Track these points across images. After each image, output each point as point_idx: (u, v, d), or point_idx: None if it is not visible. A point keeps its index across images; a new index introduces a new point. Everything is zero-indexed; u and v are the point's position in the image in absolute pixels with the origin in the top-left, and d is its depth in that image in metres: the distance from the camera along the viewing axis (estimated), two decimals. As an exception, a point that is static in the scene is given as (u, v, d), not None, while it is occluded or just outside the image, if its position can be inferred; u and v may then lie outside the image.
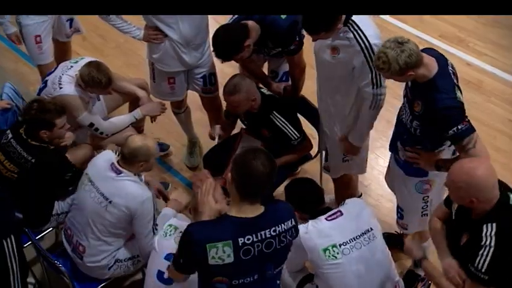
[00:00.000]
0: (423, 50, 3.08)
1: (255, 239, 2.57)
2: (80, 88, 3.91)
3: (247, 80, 3.78)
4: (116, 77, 4.10)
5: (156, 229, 3.46)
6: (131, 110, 4.29)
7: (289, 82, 4.05)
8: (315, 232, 3.13)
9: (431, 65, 3.01)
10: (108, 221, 3.43)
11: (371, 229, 3.19)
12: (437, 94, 2.96)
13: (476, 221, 2.70)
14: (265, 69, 4.19)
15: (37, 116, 3.65)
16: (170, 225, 3.22)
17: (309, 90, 3.98)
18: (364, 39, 3.26)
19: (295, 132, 3.80)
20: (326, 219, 3.17)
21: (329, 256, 3.09)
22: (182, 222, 3.23)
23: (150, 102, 4.22)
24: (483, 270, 2.62)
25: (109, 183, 3.42)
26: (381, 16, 5.64)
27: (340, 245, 3.11)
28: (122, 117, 4.23)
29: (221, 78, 4.16)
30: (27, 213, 3.76)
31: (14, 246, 3.42)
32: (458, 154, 3.04)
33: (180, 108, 4.52)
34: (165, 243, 3.17)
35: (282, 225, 2.61)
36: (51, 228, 3.89)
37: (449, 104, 2.96)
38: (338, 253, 3.10)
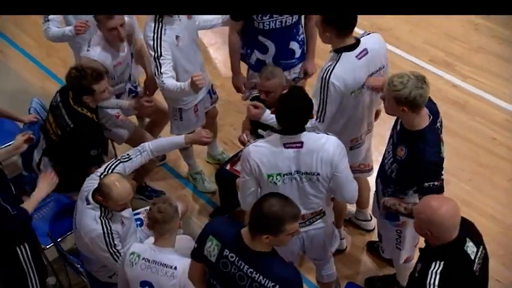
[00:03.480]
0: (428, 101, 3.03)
1: (235, 261, 2.57)
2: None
3: (279, 68, 3.78)
4: None
5: (118, 253, 3.32)
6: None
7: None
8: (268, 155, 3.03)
9: (424, 118, 2.97)
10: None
11: (317, 173, 3.03)
12: (426, 146, 2.92)
13: (429, 255, 2.65)
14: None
15: (75, 82, 3.55)
16: (133, 253, 3.09)
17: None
18: (329, 72, 3.21)
19: None
20: (284, 145, 3.00)
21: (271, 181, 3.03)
22: (144, 246, 3.12)
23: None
24: None
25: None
26: None
27: (283, 174, 3.03)
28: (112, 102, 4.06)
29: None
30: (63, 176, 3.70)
31: (29, 252, 3.41)
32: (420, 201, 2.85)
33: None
34: (134, 272, 3.07)
35: (262, 277, 2.53)
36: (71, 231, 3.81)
37: (434, 160, 2.95)
38: (279, 180, 3.03)
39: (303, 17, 3.93)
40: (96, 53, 3.78)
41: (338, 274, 3.78)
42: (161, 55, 3.67)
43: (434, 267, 2.55)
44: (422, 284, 2.56)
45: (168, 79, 3.66)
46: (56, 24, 4.13)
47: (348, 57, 3.22)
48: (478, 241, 2.68)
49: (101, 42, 3.80)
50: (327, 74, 3.20)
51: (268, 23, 3.78)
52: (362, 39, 3.30)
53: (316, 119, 3.26)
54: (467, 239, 2.61)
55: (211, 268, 2.68)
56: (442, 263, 2.55)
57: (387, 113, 3.06)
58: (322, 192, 3.09)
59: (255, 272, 2.53)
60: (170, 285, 2.97)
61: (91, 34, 3.96)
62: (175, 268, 2.95)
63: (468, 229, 2.68)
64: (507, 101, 5.08)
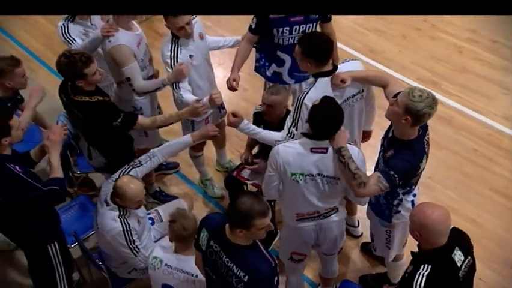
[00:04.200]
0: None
1: (218, 251, 2.61)
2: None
3: (287, 89, 3.78)
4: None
5: (137, 248, 3.31)
6: None
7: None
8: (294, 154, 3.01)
9: (415, 131, 2.96)
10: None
11: (337, 178, 3.03)
12: (411, 151, 2.93)
13: (419, 258, 2.65)
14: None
15: (67, 69, 3.34)
16: (155, 258, 3.11)
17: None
18: (304, 94, 3.22)
19: None
20: (311, 150, 2.99)
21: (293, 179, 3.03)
22: (167, 253, 3.11)
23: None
24: None
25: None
26: (367, 60, 5.68)
27: (306, 175, 3.03)
28: (155, 82, 3.87)
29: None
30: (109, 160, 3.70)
31: (58, 250, 3.42)
32: (416, 205, 2.86)
33: (200, 151, 4.36)
34: (157, 275, 3.10)
35: (235, 267, 2.55)
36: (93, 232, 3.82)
37: (413, 163, 2.93)
38: (301, 179, 3.03)
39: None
40: (119, 39, 3.64)
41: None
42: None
43: (422, 270, 2.56)
44: (410, 284, 2.57)
45: (185, 93, 3.66)
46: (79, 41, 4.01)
47: (323, 82, 3.22)
48: (468, 251, 2.68)
49: (120, 33, 3.66)
50: (302, 95, 3.22)
51: (288, 38, 3.76)
52: (339, 66, 3.29)
53: (287, 134, 3.25)
54: (456, 247, 2.62)
55: (203, 256, 2.73)
56: (430, 266, 2.56)
57: (387, 117, 3.01)
58: (339, 194, 3.12)
59: (230, 262, 2.56)
60: None
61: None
62: (196, 276, 2.96)
63: (459, 239, 2.69)
64: (488, 116, 5.10)
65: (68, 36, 3.97)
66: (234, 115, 3.46)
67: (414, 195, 3.24)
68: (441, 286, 2.56)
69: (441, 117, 5.04)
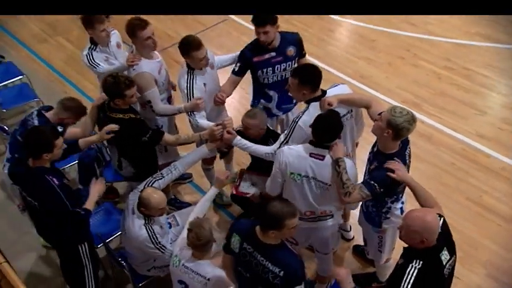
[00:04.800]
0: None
1: (252, 252, 2.60)
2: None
3: (264, 114, 3.69)
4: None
5: (164, 247, 3.33)
6: None
7: None
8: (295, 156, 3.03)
9: (396, 145, 2.97)
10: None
11: (329, 184, 3.04)
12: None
13: (412, 254, 2.63)
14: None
15: (111, 88, 3.40)
16: (176, 256, 3.09)
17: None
18: (299, 117, 3.25)
19: None
20: (310, 154, 3.02)
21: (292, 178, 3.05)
22: (186, 254, 3.07)
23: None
24: None
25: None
26: (358, 84, 5.68)
27: (302, 176, 3.04)
28: (173, 108, 3.90)
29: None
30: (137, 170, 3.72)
31: (87, 249, 3.44)
32: (409, 215, 2.71)
33: (211, 165, 4.29)
34: (175, 272, 3.09)
35: (270, 264, 2.56)
36: (119, 233, 3.84)
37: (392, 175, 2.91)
38: (298, 179, 3.05)
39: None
40: (142, 67, 3.69)
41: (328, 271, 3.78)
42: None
43: (415, 264, 2.58)
44: (402, 274, 2.58)
45: (201, 118, 3.70)
46: (104, 65, 4.05)
47: (314, 105, 3.24)
48: (453, 251, 2.70)
49: (143, 61, 3.73)
50: (297, 117, 3.26)
51: (272, 77, 3.80)
52: (328, 91, 3.31)
53: (278, 148, 3.25)
54: (445, 247, 2.63)
55: (236, 258, 2.73)
56: (421, 262, 2.57)
57: (373, 132, 3.04)
58: (333, 199, 3.10)
59: (265, 260, 2.57)
60: None
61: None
62: (208, 279, 2.96)
63: (448, 239, 2.70)
64: (463, 134, 5.10)
65: (93, 62, 4.05)
66: (229, 132, 3.48)
67: (403, 203, 3.25)
68: (429, 280, 2.58)
69: (422, 135, 5.06)
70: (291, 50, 3.78)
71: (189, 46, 3.61)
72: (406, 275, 2.56)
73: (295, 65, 3.83)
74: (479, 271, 3.99)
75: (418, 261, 2.57)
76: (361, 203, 3.43)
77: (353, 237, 4.21)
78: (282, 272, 2.54)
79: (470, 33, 6.40)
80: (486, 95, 5.57)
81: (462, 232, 4.18)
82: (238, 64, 3.82)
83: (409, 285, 2.54)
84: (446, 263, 2.62)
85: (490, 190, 4.57)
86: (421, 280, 2.54)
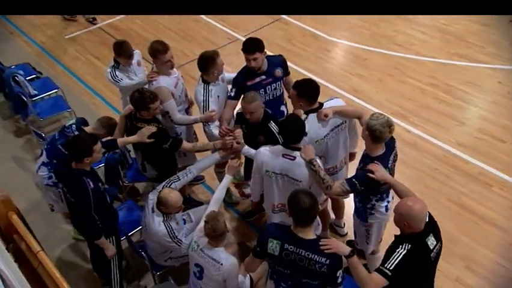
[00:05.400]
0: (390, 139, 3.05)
1: (295, 250, 2.57)
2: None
3: (258, 94, 3.55)
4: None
5: (181, 240, 3.34)
6: None
7: None
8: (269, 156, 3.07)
9: (379, 149, 3.00)
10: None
11: (300, 181, 3.06)
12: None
13: (402, 239, 2.66)
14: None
15: (138, 101, 3.45)
16: (195, 242, 3.11)
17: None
18: None
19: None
20: (282, 155, 3.04)
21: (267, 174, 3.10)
22: (204, 240, 3.06)
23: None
24: (390, 268, 2.58)
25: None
26: (352, 97, 5.68)
27: (276, 173, 3.08)
28: (189, 118, 3.93)
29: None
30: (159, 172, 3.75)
31: (114, 242, 3.47)
32: (400, 201, 2.77)
33: (222, 168, 4.18)
34: (193, 255, 3.11)
35: (316, 256, 2.53)
36: (140, 227, 3.84)
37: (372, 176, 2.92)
38: (273, 176, 3.09)
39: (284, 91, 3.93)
40: (160, 82, 3.75)
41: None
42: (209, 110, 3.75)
43: (404, 245, 2.60)
44: (392, 252, 2.61)
45: (215, 129, 3.74)
46: (125, 79, 4.15)
47: (312, 116, 3.26)
48: (439, 237, 2.72)
49: (161, 77, 3.78)
50: None
51: (264, 97, 3.75)
52: (324, 103, 3.32)
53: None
54: (431, 234, 2.65)
55: (275, 260, 2.66)
56: (410, 245, 2.59)
57: (362, 137, 3.07)
58: None
59: (311, 254, 2.54)
60: (215, 275, 3.00)
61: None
62: (222, 264, 2.98)
63: (433, 227, 2.72)
64: (445, 142, 5.10)
65: (116, 77, 4.16)
66: (238, 142, 3.53)
67: (388, 202, 3.26)
68: (416, 261, 2.60)
69: (408, 143, 5.07)
70: (278, 71, 3.80)
71: (209, 59, 3.67)
72: (396, 253, 2.59)
73: (283, 84, 3.85)
74: (458, 264, 4.00)
75: (407, 244, 2.60)
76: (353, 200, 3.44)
77: (346, 233, 4.21)
78: (328, 261, 2.54)
79: (450, 53, 6.41)
80: (465, 108, 5.57)
81: (443, 229, 3.98)
82: (233, 90, 3.77)
83: (396, 261, 2.57)
84: (434, 248, 2.64)
85: (468, 192, 4.57)
86: (408, 259, 2.57)
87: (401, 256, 2.58)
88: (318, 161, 3.04)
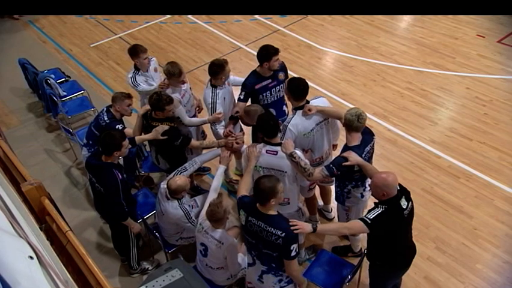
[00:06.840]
0: (365, 129, 3.04)
1: (256, 222, 2.60)
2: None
3: (260, 107, 3.56)
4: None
5: (195, 221, 3.29)
6: None
7: None
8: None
9: (355, 140, 2.99)
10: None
11: (285, 171, 3.05)
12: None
13: (377, 203, 2.72)
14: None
15: (156, 102, 3.46)
16: (200, 224, 3.11)
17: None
18: (288, 121, 3.27)
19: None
20: (266, 151, 3.03)
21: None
22: (207, 224, 3.06)
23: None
24: (370, 218, 2.64)
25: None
26: (339, 99, 5.66)
27: (263, 167, 3.07)
28: (198, 120, 3.93)
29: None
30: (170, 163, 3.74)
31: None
32: (375, 176, 2.78)
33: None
34: (199, 235, 3.09)
35: (273, 229, 2.54)
36: (154, 211, 3.84)
37: (345, 160, 2.93)
38: (260, 170, 3.06)
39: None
40: (169, 91, 3.77)
41: (312, 244, 3.80)
42: (216, 112, 3.75)
43: (381, 206, 2.67)
44: (371, 210, 2.68)
45: (220, 128, 3.74)
46: (143, 85, 4.14)
47: (299, 113, 3.26)
48: (409, 198, 2.77)
49: (170, 88, 3.83)
50: (287, 122, 3.28)
51: (269, 98, 3.77)
52: (310, 101, 3.33)
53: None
54: (403, 196, 2.71)
55: (243, 228, 2.73)
56: (385, 206, 2.66)
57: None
58: (286, 187, 3.08)
59: (269, 227, 2.56)
60: (217, 252, 3.02)
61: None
62: (223, 243, 3.02)
63: (404, 191, 2.76)
64: (420, 140, 5.10)
65: (135, 82, 4.16)
66: (237, 143, 3.56)
67: (364, 190, 3.25)
68: (392, 217, 2.66)
69: (389, 140, 5.08)
70: (281, 75, 3.81)
71: (220, 67, 3.67)
72: (374, 210, 2.66)
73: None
74: (430, 245, 4.02)
75: (383, 206, 2.67)
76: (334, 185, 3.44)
77: (334, 217, 4.22)
78: (283, 234, 2.55)
79: (426, 62, 6.41)
80: (437, 110, 5.56)
81: (417, 215, 4.03)
82: (243, 92, 3.74)
83: (375, 215, 2.63)
84: (406, 207, 2.70)
85: (439, 183, 4.58)
86: (385, 216, 2.63)
87: (379, 212, 2.66)
88: (298, 152, 3.04)
